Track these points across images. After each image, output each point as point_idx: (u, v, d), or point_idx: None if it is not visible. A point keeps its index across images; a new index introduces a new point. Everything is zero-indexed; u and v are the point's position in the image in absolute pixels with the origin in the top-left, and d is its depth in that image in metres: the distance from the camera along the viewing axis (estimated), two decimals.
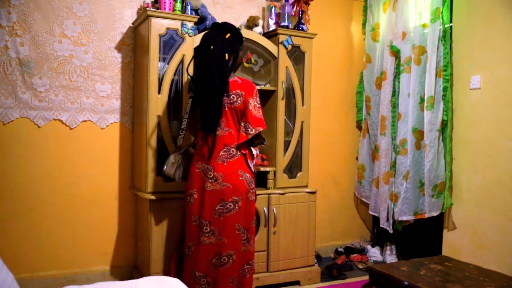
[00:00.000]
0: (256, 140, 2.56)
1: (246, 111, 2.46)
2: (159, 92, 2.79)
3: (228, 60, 2.45)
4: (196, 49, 2.57)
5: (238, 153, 2.48)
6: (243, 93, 2.47)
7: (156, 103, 2.78)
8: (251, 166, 2.53)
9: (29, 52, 2.83)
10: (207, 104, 2.45)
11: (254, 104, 2.48)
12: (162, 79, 2.79)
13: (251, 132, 2.45)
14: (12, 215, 2.84)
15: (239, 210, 2.46)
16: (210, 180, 2.46)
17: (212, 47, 2.43)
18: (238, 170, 2.47)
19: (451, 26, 3.22)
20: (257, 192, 3.01)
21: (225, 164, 2.45)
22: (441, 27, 3.18)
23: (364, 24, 3.94)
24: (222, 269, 2.46)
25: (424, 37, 3.30)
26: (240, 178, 2.46)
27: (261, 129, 2.48)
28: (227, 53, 2.44)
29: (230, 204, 2.45)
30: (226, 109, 2.47)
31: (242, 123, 2.48)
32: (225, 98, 2.46)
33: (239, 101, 2.47)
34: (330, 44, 3.92)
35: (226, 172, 2.45)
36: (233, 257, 2.47)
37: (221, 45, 2.43)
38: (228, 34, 2.47)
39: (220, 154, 2.46)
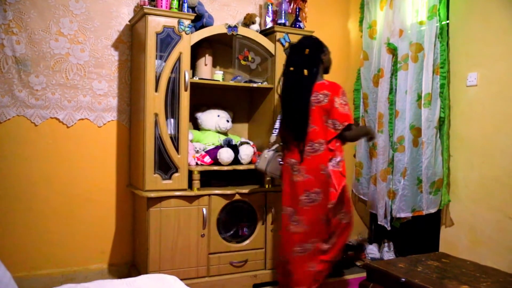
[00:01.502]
0: (347, 135, 2.68)
1: (333, 109, 2.63)
2: (156, 90, 2.78)
3: (307, 76, 2.69)
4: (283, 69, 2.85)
5: (321, 148, 2.65)
6: (330, 93, 2.65)
7: (153, 101, 2.78)
8: (335, 162, 2.65)
9: (25, 50, 2.82)
10: (294, 119, 2.71)
11: (340, 102, 2.64)
12: (159, 77, 2.79)
13: (339, 128, 2.62)
14: (9, 214, 2.84)
15: (321, 201, 2.64)
16: (295, 173, 2.70)
17: (291, 68, 2.74)
18: (320, 165, 2.64)
19: (448, 23, 3.22)
20: (255, 190, 3.03)
21: (308, 157, 2.66)
22: (438, 24, 3.18)
23: (361, 22, 3.94)
24: (305, 256, 2.66)
25: (421, 34, 3.30)
26: (322, 172, 2.64)
27: (346, 123, 2.62)
28: (306, 68, 2.69)
29: (314, 194, 2.65)
30: (314, 107, 2.66)
31: (330, 121, 2.64)
32: (312, 97, 2.66)
33: (325, 100, 2.65)
34: (327, 42, 3.86)
35: (308, 165, 2.66)
36: (315, 244, 2.66)
37: (301, 64, 2.71)
38: (307, 50, 2.72)
39: (306, 150, 2.67)
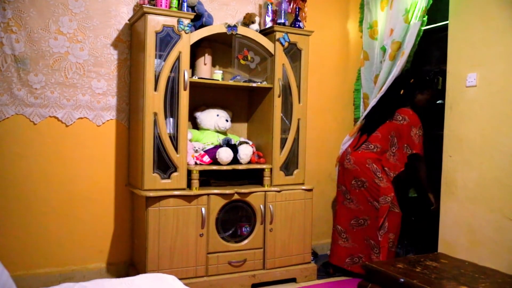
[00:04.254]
0: (414, 162, 3.23)
1: (409, 138, 3.19)
2: (155, 89, 2.78)
3: (402, 95, 3.38)
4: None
5: (375, 149, 3.22)
6: (409, 120, 3.22)
7: (153, 100, 2.77)
8: (386, 169, 3.19)
9: (24, 48, 2.81)
10: (372, 119, 3.42)
11: (415, 132, 3.20)
12: (158, 76, 2.78)
13: (407, 152, 3.20)
14: (7, 212, 2.83)
15: (367, 188, 3.16)
16: (346, 161, 3.31)
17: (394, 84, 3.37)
18: (367, 159, 3.19)
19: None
20: (253, 189, 3.03)
21: (359, 152, 3.26)
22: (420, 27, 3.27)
23: (361, 22, 3.94)
24: (360, 229, 3.21)
25: (405, 33, 3.36)
26: (367, 166, 3.18)
27: (414, 151, 3.18)
28: (403, 89, 3.38)
29: (360, 181, 3.20)
30: (391, 121, 3.27)
31: (405, 145, 3.21)
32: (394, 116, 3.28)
33: (402, 121, 3.23)
34: (326, 41, 3.91)
35: (357, 157, 3.24)
36: (367, 221, 3.17)
37: (401, 85, 3.37)
38: (412, 80, 3.38)
39: (361, 146, 3.28)
